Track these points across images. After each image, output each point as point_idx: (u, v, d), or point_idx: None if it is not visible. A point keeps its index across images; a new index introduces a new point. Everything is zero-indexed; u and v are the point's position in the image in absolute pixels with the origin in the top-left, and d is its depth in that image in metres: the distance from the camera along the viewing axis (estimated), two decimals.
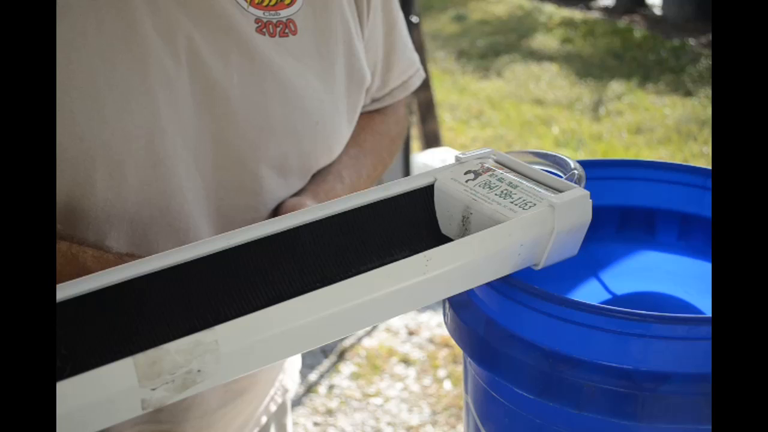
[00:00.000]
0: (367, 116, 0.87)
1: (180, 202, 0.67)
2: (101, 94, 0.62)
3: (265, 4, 0.70)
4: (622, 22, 5.72)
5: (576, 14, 6.03)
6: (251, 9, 0.69)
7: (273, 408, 0.89)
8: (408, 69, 0.89)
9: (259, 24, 0.69)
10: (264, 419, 0.88)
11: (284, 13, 0.71)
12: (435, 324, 2.39)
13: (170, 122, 0.65)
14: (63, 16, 0.61)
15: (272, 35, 0.70)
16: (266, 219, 0.63)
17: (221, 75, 0.66)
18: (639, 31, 5.43)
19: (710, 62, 4.66)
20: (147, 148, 0.64)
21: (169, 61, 0.64)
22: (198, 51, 0.65)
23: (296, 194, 0.75)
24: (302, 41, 0.72)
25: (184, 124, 0.66)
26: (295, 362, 0.96)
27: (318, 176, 0.77)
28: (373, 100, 0.87)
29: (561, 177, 0.55)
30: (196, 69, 0.66)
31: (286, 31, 0.71)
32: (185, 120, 0.66)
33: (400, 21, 0.85)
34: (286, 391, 0.92)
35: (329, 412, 2.06)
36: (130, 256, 0.63)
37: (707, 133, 3.75)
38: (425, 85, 2.96)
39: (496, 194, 0.51)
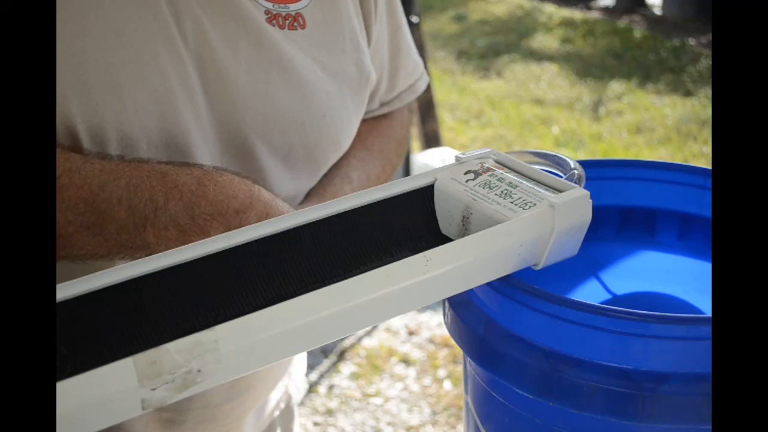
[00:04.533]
0: (374, 120, 0.88)
1: None
2: (115, 67, 0.62)
3: None
4: (622, 22, 5.72)
5: (576, 14, 6.03)
6: (261, 0, 0.69)
7: (276, 413, 0.89)
8: (414, 72, 0.89)
9: (269, 15, 0.69)
10: (268, 423, 0.88)
11: (293, 7, 0.71)
12: (435, 324, 2.39)
13: (183, 102, 0.65)
14: None
15: (281, 27, 0.70)
16: None
17: (229, 62, 0.67)
18: (639, 31, 5.43)
19: (710, 62, 4.66)
20: (159, 125, 0.64)
21: (179, 42, 0.64)
22: (206, 36, 0.66)
23: (303, 201, 0.75)
24: (310, 35, 0.72)
25: (195, 106, 0.66)
26: (300, 368, 0.96)
27: (324, 178, 0.78)
28: (382, 104, 0.87)
29: (561, 177, 0.55)
30: (204, 53, 0.66)
31: (295, 24, 0.71)
32: (196, 102, 0.66)
33: (404, 24, 0.86)
34: (290, 397, 0.92)
35: (329, 412, 2.06)
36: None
37: (707, 133, 3.75)
38: None
39: (496, 194, 0.51)
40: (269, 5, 0.70)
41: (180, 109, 0.64)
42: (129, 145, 0.63)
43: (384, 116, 0.89)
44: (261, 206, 0.61)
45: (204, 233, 0.59)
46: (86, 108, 0.61)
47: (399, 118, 0.91)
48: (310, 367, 2.19)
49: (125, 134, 0.63)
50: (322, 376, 2.19)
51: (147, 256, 0.50)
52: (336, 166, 0.79)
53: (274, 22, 0.70)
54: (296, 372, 0.94)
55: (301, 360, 0.97)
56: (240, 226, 0.59)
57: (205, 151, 0.67)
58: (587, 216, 0.51)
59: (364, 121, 0.84)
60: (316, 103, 0.72)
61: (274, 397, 0.88)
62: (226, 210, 0.60)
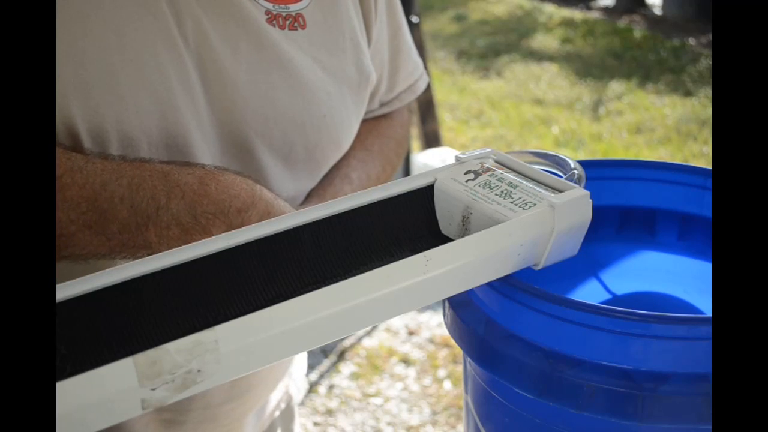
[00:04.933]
0: (374, 120, 0.88)
1: None
2: (115, 67, 0.62)
3: None
4: (622, 22, 5.72)
5: (576, 14, 6.03)
6: (261, 1, 0.69)
7: (277, 414, 0.89)
8: (414, 72, 0.89)
9: (269, 16, 0.69)
10: (269, 423, 0.88)
11: (294, 7, 0.71)
12: (435, 324, 2.39)
13: (183, 102, 0.65)
14: None
15: (282, 28, 0.70)
16: None
17: (230, 61, 0.67)
18: (639, 31, 5.43)
19: (710, 62, 4.66)
20: (159, 125, 0.64)
21: (180, 42, 0.64)
22: (207, 36, 0.66)
23: (304, 202, 0.75)
24: (311, 35, 0.72)
25: (196, 106, 0.66)
26: (301, 369, 0.96)
27: (324, 179, 0.78)
28: (382, 104, 0.87)
29: (561, 177, 0.55)
30: (204, 53, 0.66)
31: (295, 24, 0.71)
32: (197, 102, 0.66)
33: (404, 25, 0.86)
34: (291, 397, 0.92)
35: (329, 412, 2.06)
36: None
37: (707, 133, 3.75)
38: None
39: (496, 194, 0.51)
40: (269, 5, 0.70)
41: (180, 109, 0.64)
42: (130, 146, 0.63)
43: (384, 116, 0.89)
44: (263, 205, 0.61)
45: (206, 232, 0.59)
46: (87, 108, 0.61)
47: (399, 119, 0.91)
48: (310, 367, 2.19)
49: (126, 134, 0.63)
50: (322, 376, 2.19)
51: (149, 255, 0.50)
52: (336, 167, 0.79)
53: (274, 22, 0.70)
54: (297, 372, 0.94)
55: (301, 360, 0.97)
56: (242, 224, 0.59)
57: (206, 151, 0.67)
58: (587, 216, 0.51)
59: (364, 122, 0.84)
60: (317, 104, 0.72)
61: (275, 397, 0.88)
62: (228, 209, 0.60)
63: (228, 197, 0.60)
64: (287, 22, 0.71)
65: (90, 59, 0.61)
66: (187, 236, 0.59)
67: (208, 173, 0.61)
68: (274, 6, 0.70)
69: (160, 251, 0.57)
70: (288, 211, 0.63)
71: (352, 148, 0.81)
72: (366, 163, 0.82)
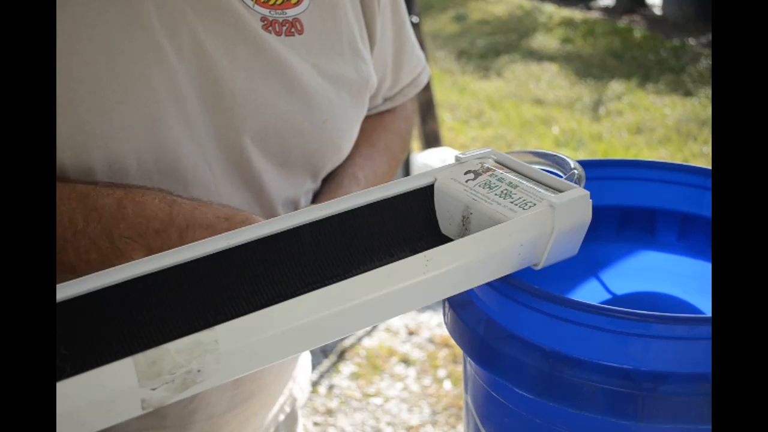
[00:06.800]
0: (378, 116, 0.87)
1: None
2: (102, 84, 0.61)
3: (271, 3, 0.69)
4: (622, 22, 5.72)
5: (576, 14, 6.03)
6: (256, 7, 0.68)
7: (282, 417, 0.89)
8: (416, 66, 0.89)
9: (265, 22, 0.69)
10: (273, 429, 0.88)
11: (291, 13, 0.71)
12: (435, 324, 2.39)
13: (173, 116, 0.64)
14: (65, 5, 0.60)
15: (278, 34, 0.69)
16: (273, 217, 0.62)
17: (227, 70, 0.66)
18: (639, 31, 5.43)
19: (710, 62, 4.66)
20: (148, 140, 0.63)
21: (171, 54, 0.64)
22: (203, 45, 0.65)
23: (312, 204, 0.75)
24: (309, 41, 0.72)
25: (189, 118, 0.65)
26: (305, 371, 0.95)
27: (332, 180, 0.77)
28: (385, 100, 0.87)
29: (561, 177, 0.55)
30: (201, 63, 0.65)
31: (292, 30, 0.70)
32: (190, 114, 0.65)
33: (407, 20, 0.86)
34: (295, 400, 0.91)
35: (329, 412, 2.06)
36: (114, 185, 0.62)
37: (707, 133, 3.75)
38: (425, 85, 2.95)
39: (496, 194, 0.51)
40: (265, 12, 0.69)
41: (170, 124, 0.64)
42: (116, 162, 0.62)
43: (388, 111, 0.89)
44: (181, 220, 0.60)
45: (125, 256, 0.58)
46: (71, 125, 0.61)
47: (402, 113, 0.91)
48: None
49: (112, 152, 0.62)
50: (322, 376, 2.19)
51: (74, 278, 0.48)
52: (342, 167, 0.78)
53: (270, 28, 0.69)
54: (300, 375, 0.93)
55: (305, 362, 0.96)
56: (162, 245, 0.58)
57: (201, 163, 0.66)
58: (587, 216, 0.51)
59: (367, 117, 0.84)
60: (317, 110, 0.71)
61: (279, 401, 0.88)
62: (145, 231, 0.59)
63: (145, 219, 0.59)
64: (284, 28, 0.70)
65: (77, 77, 0.60)
66: (106, 261, 0.58)
67: (128, 194, 0.60)
68: (270, 12, 0.69)
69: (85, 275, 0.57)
70: (213, 215, 0.61)
71: (357, 145, 0.80)
72: (372, 160, 0.81)
